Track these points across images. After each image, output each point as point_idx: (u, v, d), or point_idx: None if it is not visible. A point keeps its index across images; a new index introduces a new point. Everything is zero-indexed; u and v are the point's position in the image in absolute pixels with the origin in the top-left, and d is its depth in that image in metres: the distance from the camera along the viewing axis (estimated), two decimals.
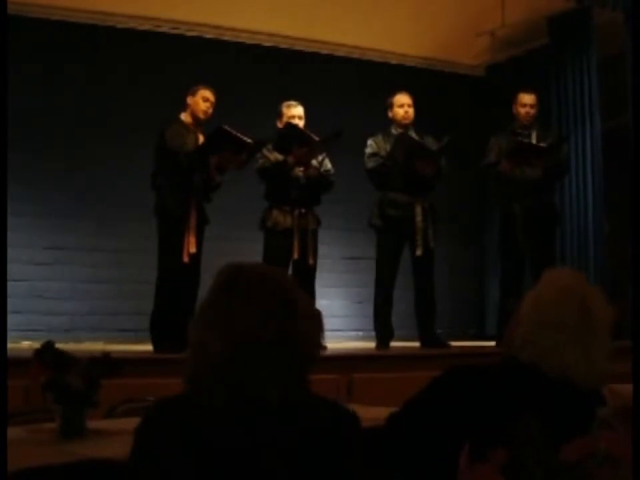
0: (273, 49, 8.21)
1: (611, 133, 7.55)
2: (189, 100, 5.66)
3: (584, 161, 7.52)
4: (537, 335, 2.00)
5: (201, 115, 5.64)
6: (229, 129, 5.39)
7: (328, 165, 6.09)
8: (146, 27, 7.73)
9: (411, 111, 6.28)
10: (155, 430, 1.50)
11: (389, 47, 8.55)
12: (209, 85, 5.69)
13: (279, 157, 5.87)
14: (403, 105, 6.27)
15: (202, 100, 5.64)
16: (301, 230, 5.87)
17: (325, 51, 8.41)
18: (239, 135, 5.43)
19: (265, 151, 5.87)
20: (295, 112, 5.94)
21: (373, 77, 8.34)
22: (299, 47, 8.31)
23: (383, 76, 8.25)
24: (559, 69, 7.88)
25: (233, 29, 8.01)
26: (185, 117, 5.67)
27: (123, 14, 7.57)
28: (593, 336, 2.00)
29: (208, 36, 7.96)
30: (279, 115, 5.99)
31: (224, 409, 1.46)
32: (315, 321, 1.56)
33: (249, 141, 5.49)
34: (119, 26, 7.62)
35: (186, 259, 5.41)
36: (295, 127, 5.82)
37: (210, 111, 5.66)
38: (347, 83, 8.34)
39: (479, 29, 8.45)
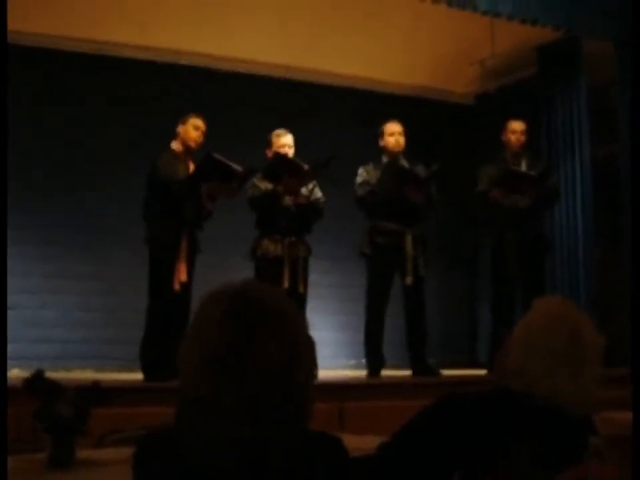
0: (266, 78, 8.24)
1: (600, 162, 7.59)
2: (180, 129, 5.67)
3: (574, 189, 7.55)
4: (528, 363, 2.00)
5: (192, 144, 5.65)
6: (218, 156, 5.40)
7: (318, 193, 6.10)
8: (139, 55, 7.75)
9: (401, 139, 6.30)
10: (147, 464, 1.49)
11: (381, 76, 8.60)
12: (199, 113, 5.71)
13: (269, 186, 5.88)
14: (393, 134, 6.30)
15: (193, 128, 5.65)
16: (291, 258, 5.87)
17: (317, 80, 8.44)
18: (228, 162, 5.44)
19: (255, 181, 5.89)
20: (284, 141, 5.96)
21: (364, 106, 8.38)
22: (291, 75, 8.34)
23: (374, 104, 8.29)
24: (548, 98, 7.93)
25: (226, 58, 8.04)
26: (175, 145, 5.68)
27: (115, 42, 7.61)
28: (584, 363, 2.00)
29: (202, 64, 7.99)
30: (269, 144, 6.01)
31: (213, 443, 1.44)
32: (307, 352, 1.54)
33: (239, 168, 5.50)
34: (111, 54, 7.65)
35: (177, 287, 5.40)
36: (284, 156, 5.83)
37: (200, 139, 5.67)
38: (338, 111, 8.38)
39: (469, 59, 8.51)
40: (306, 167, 5.77)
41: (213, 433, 1.43)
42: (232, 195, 5.68)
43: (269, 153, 5.99)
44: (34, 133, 7.19)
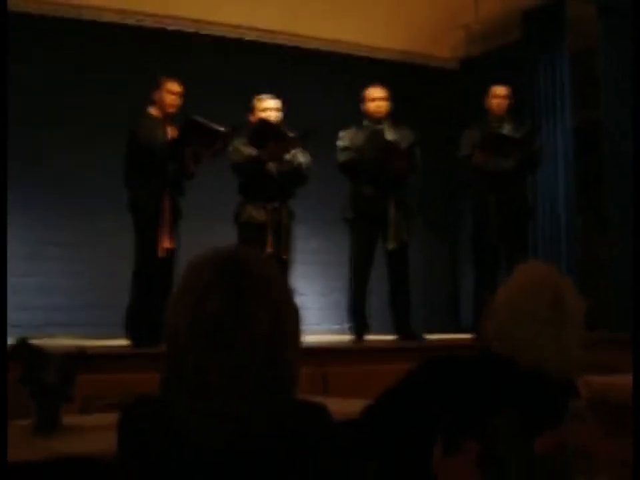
0: (250, 43, 8.17)
1: (582, 127, 7.58)
2: (156, 94, 5.63)
3: (555, 155, 7.56)
4: (511, 327, 2.01)
5: (169, 108, 5.60)
6: (198, 119, 5.37)
7: (301, 158, 6.07)
8: (120, 19, 7.67)
9: (383, 104, 6.26)
10: (133, 430, 1.49)
11: (366, 41, 8.55)
12: (175, 77, 5.66)
13: (253, 151, 5.86)
14: (374, 99, 6.26)
15: (167, 93, 5.60)
16: (274, 224, 5.86)
17: (301, 44, 8.38)
18: (209, 124, 5.41)
19: (239, 146, 5.86)
20: (267, 105, 5.92)
21: (347, 70, 8.34)
22: (276, 40, 8.27)
23: (357, 68, 8.25)
24: (532, 63, 7.91)
25: (208, 22, 7.97)
26: (153, 110, 5.65)
27: (93, 6, 7.51)
28: (566, 327, 2.01)
29: (186, 29, 7.91)
30: (252, 108, 5.97)
31: (203, 419, 1.43)
32: (289, 317, 1.53)
33: (221, 128, 5.47)
34: (89, 18, 7.55)
35: (161, 253, 5.41)
36: (269, 123, 5.81)
37: (177, 102, 5.62)
38: (322, 76, 8.33)
39: (453, 23, 8.47)
40: (290, 134, 5.75)
41: (202, 408, 1.42)
42: (214, 154, 5.65)
43: (252, 118, 5.96)
44: (12, 96, 7.08)
